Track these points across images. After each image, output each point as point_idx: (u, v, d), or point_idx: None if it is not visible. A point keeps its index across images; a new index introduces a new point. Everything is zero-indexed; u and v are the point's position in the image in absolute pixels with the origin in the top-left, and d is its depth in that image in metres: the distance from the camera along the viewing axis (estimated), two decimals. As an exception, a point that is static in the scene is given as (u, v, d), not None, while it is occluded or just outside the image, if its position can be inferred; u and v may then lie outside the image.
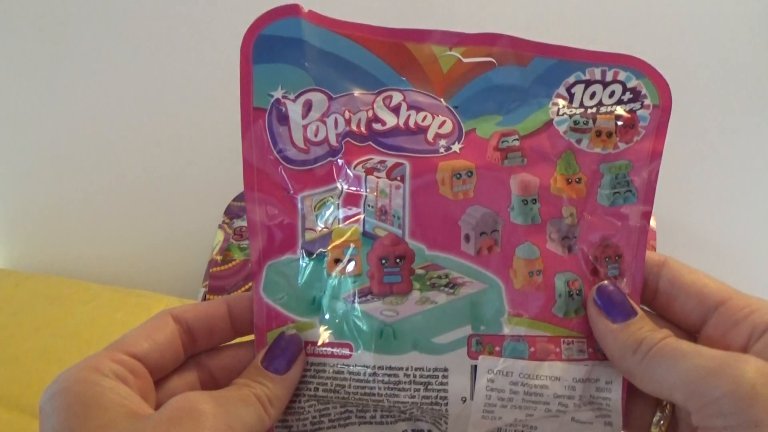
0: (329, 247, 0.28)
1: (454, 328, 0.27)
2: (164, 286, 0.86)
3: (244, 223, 0.89)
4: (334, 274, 0.27)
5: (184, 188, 0.93)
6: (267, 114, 0.28)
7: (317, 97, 0.28)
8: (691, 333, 0.26)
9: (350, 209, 0.28)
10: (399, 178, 0.27)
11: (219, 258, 0.86)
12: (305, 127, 0.28)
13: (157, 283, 0.87)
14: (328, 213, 0.28)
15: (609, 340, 0.25)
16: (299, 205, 0.28)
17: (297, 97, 0.28)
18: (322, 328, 0.27)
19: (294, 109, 0.28)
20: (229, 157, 0.93)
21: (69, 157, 0.94)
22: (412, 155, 0.28)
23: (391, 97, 0.28)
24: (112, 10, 0.87)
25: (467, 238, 0.27)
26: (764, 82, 0.85)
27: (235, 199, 0.91)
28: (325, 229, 0.28)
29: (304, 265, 0.28)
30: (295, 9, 0.27)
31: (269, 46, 0.27)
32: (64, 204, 0.96)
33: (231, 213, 0.91)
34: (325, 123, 0.28)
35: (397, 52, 0.28)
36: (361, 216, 0.28)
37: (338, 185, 0.28)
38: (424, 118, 0.28)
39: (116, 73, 0.90)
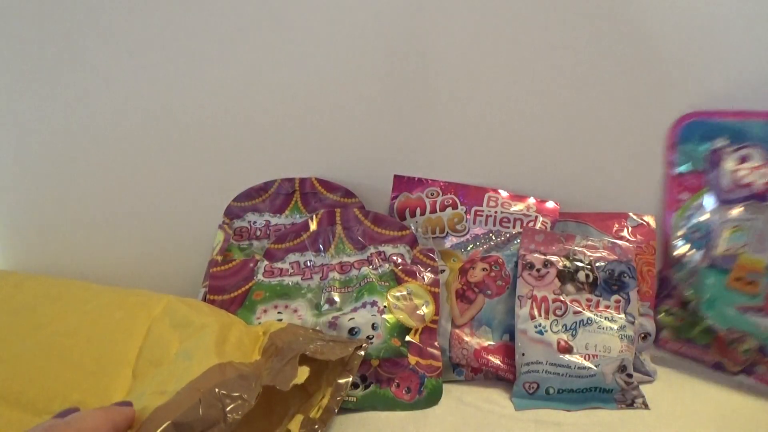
0: (734, 264, 0.33)
1: None
2: (164, 286, 0.86)
3: (245, 224, 0.89)
4: (733, 287, 0.34)
5: (184, 188, 0.93)
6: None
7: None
8: None
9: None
10: None
11: (219, 258, 0.85)
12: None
13: (157, 283, 0.86)
14: (736, 239, 0.35)
15: None
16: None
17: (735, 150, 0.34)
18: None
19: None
20: (229, 157, 0.93)
21: (69, 157, 0.94)
22: None
23: None
24: (112, 13, 0.87)
25: None
26: (764, 81, 0.86)
27: (235, 200, 0.91)
28: (730, 251, 0.35)
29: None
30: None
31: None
32: (64, 204, 0.96)
33: (231, 213, 0.91)
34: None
35: None
36: None
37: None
38: None
39: (116, 74, 0.90)
